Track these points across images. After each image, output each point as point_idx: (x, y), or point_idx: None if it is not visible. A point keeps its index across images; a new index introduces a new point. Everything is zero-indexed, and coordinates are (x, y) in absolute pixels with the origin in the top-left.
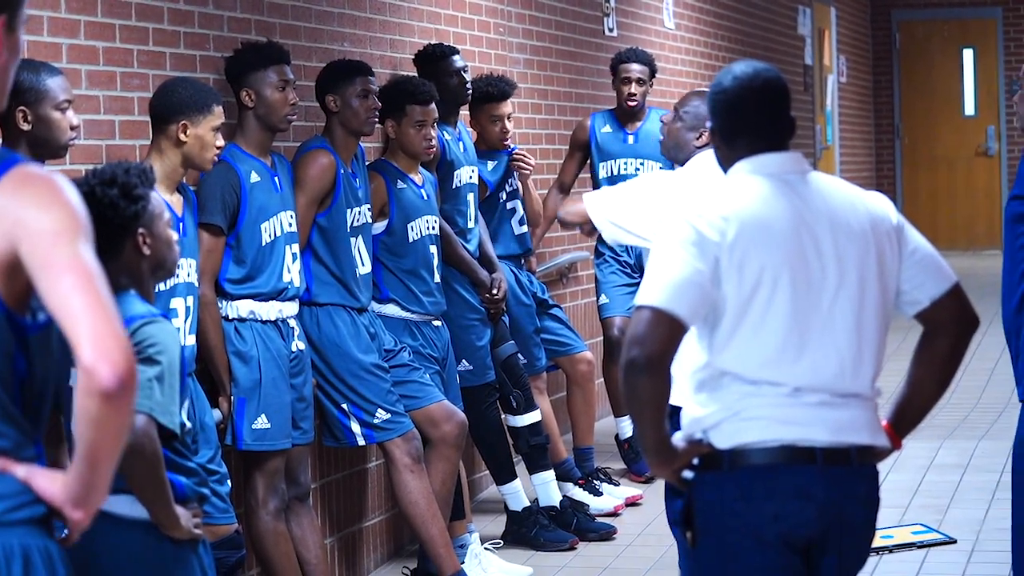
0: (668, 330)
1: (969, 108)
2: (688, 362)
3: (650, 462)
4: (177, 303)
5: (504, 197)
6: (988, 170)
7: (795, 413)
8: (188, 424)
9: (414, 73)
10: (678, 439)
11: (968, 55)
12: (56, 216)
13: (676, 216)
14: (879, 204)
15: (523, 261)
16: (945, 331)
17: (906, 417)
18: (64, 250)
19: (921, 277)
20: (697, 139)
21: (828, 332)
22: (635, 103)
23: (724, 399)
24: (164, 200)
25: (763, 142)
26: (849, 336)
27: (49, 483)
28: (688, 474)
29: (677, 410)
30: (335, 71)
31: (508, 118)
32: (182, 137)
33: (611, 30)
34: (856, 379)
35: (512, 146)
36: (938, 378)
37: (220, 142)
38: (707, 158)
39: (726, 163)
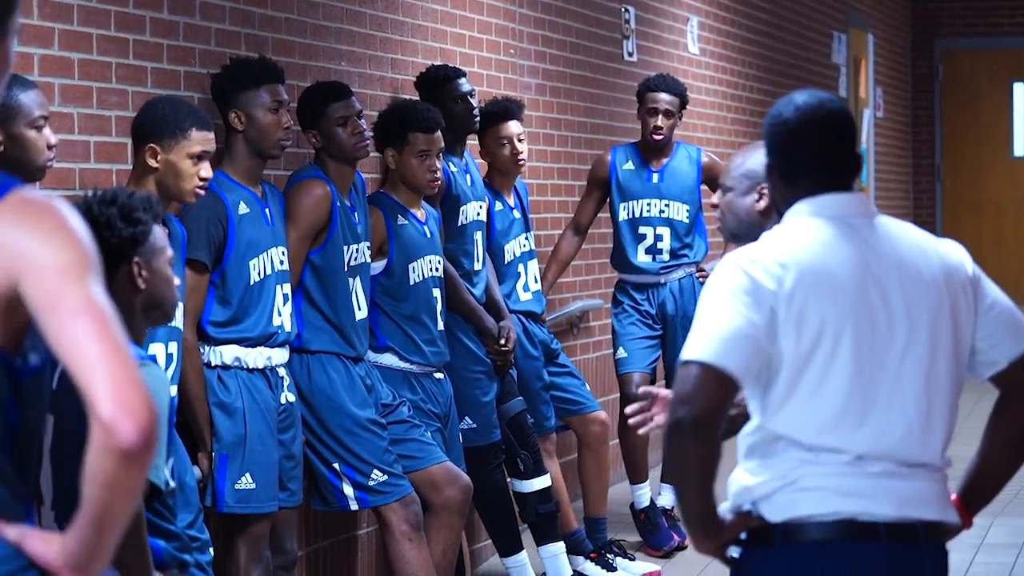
0: (718, 388)
1: (1019, 149)
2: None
3: (692, 536)
4: (157, 349)
5: (514, 257)
6: None
7: (857, 484)
8: (172, 483)
9: (416, 97)
10: (724, 511)
11: (1019, 89)
12: (62, 249)
13: (727, 262)
14: (953, 253)
15: (535, 320)
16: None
17: (978, 491)
18: (74, 289)
19: (999, 335)
20: (758, 200)
21: (895, 394)
22: (661, 137)
23: (778, 467)
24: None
25: (826, 181)
26: (918, 399)
27: (44, 545)
28: (735, 551)
29: None
30: (307, 101)
31: (519, 139)
32: (151, 162)
33: (631, 54)
34: (924, 447)
35: (520, 179)
36: (1015, 448)
37: (205, 172)
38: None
39: (783, 203)
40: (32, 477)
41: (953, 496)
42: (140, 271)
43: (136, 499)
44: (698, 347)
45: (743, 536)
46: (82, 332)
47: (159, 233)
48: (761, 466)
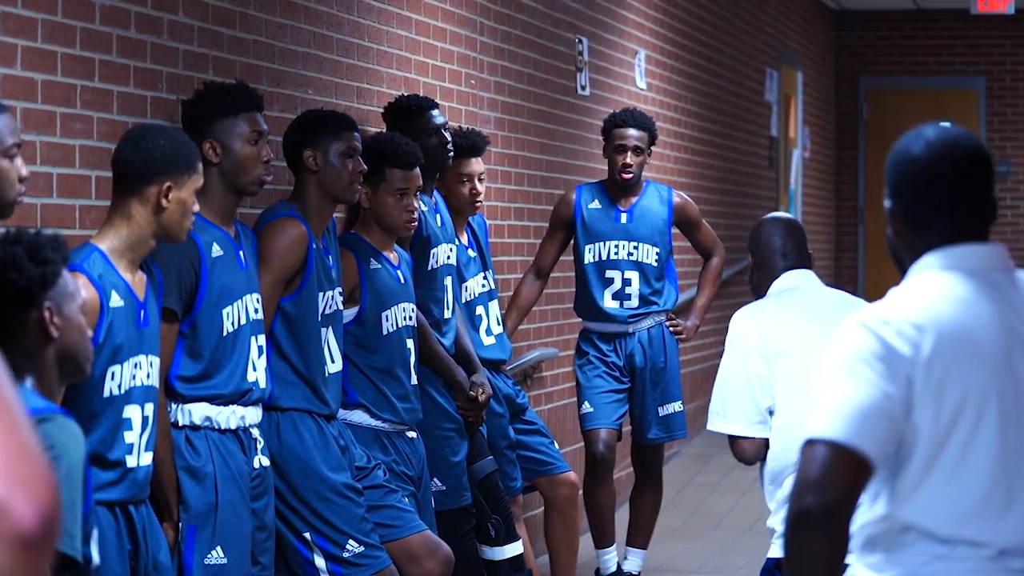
0: (852, 473)
1: None
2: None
3: None
4: (132, 412)
5: (472, 297)
6: None
7: None
8: (95, 558)
9: (382, 128)
10: None
11: None
12: None
13: (854, 323)
14: None
15: (499, 370)
16: None
17: None
18: None
19: None
20: None
21: None
22: (631, 176)
23: (907, 562)
24: (125, 281)
25: (961, 229)
26: None
27: None
28: None
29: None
30: (317, 121)
31: (480, 178)
32: (163, 202)
33: (583, 87)
34: None
35: (480, 214)
36: None
37: (197, 208)
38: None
39: (910, 255)
40: None
41: None
42: (52, 317)
43: None
44: (827, 424)
45: None
46: None
47: (68, 277)
48: (886, 561)
